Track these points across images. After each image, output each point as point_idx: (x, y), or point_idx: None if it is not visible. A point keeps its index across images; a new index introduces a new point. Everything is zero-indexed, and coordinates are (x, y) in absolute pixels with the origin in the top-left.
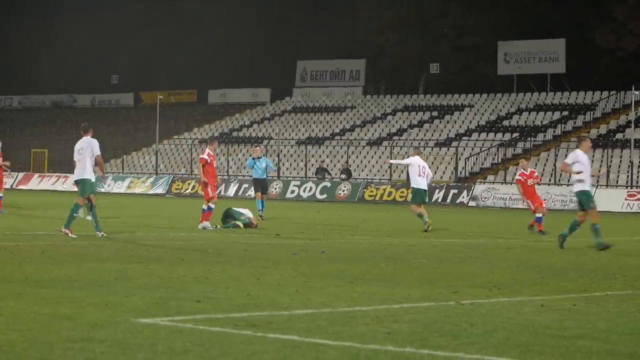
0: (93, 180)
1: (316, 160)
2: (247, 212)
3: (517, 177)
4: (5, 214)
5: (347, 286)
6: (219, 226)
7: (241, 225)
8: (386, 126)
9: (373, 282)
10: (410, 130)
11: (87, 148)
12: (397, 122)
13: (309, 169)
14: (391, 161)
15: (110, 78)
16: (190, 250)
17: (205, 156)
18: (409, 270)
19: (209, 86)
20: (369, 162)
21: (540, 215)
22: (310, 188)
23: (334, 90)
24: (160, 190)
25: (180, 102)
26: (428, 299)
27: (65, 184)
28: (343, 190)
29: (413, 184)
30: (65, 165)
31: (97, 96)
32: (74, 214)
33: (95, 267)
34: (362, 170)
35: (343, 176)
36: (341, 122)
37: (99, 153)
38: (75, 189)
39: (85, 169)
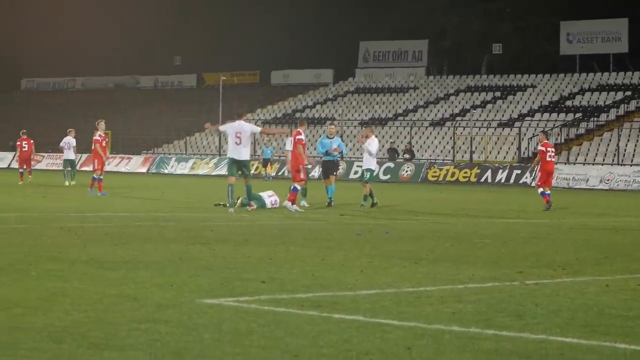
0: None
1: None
2: (265, 195)
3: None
4: (107, 196)
5: (411, 266)
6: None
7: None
8: (449, 107)
9: (437, 263)
10: (473, 111)
11: (246, 131)
12: (459, 102)
13: None
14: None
15: (173, 59)
16: (254, 231)
17: (303, 137)
18: (473, 250)
19: (271, 67)
20: (432, 142)
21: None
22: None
23: (397, 71)
24: (223, 172)
25: (243, 83)
26: (492, 279)
27: (129, 165)
28: (406, 171)
29: (373, 166)
30: (129, 146)
31: (159, 77)
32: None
33: (160, 248)
34: (425, 151)
35: (406, 156)
36: (404, 103)
37: (259, 131)
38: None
39: (248, 151)
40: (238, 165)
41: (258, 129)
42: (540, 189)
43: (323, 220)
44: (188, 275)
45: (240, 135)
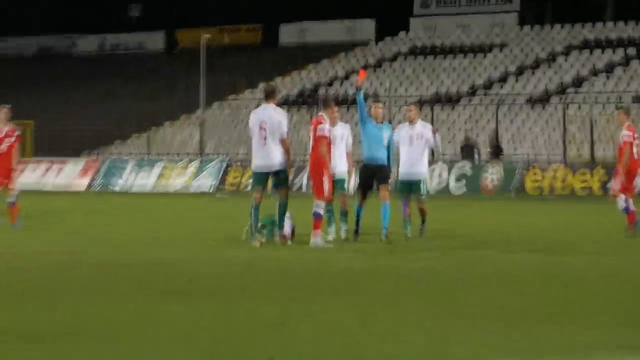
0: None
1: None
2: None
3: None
4: (18, 228)
5: (502, 329)
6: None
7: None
8: (555, 73)
9: (544, 322)
10: (594, 78)
11: (274, 122)
12: (572, 66)
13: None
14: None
15: (128, 8)
16: (255, 277)
17: (326, 130)
18: (599, 301)
19: (280, 19)
20: (530, 130)
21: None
22: (440, 174)
23: (474, 21)
24: (208, 182)
25: (238, 43)
26: (631, 348)
27: (61, 175)
28: (491, 177)
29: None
30: (59, 144)
31: (108, 37)
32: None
33: (108, 308)
34: (520, 143)
35: (488, 150)
36: (485, 70)
37: (286, 132)
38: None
39: (276, 151)
40: (266, 176)
41: (285, 130)
42: (622, 200)
43: (361, 259)
44: (153, 349)
45: (265, 126)
